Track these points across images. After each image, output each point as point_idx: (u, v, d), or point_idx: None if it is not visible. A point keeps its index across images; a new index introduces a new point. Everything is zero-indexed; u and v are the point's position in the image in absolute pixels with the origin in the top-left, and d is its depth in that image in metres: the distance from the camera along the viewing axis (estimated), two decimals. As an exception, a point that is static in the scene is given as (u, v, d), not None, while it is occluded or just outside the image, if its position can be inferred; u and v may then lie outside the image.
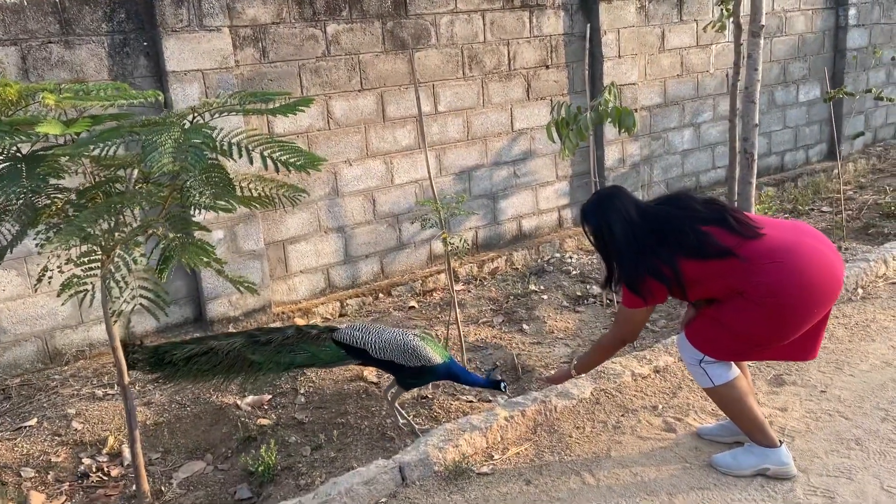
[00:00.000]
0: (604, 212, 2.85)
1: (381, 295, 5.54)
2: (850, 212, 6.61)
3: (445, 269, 5.80)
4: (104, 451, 3.57)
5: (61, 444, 3.63)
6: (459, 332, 4.19)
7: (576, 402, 3.41)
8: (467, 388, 3.94)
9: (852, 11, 8.14)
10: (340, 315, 5.33)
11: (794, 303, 2.64)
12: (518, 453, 3.13)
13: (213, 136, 2.60)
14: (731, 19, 4.91)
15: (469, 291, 5.42)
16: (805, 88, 8.14)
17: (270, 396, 3.98)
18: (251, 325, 5.05)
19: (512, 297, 5.15)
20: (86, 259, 2.81)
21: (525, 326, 4.66)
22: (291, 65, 5.06)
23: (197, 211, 2.86)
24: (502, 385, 3.48)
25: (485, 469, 3.08)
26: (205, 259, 2.76)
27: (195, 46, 4.61)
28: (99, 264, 2.85)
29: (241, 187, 2.87)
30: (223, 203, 2.68)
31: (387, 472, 2.96)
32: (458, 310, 5.06)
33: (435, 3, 5.53)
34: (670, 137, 7.12)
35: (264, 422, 3.76)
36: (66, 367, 4.45)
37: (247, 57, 4.88)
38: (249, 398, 3.98)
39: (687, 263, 2.71)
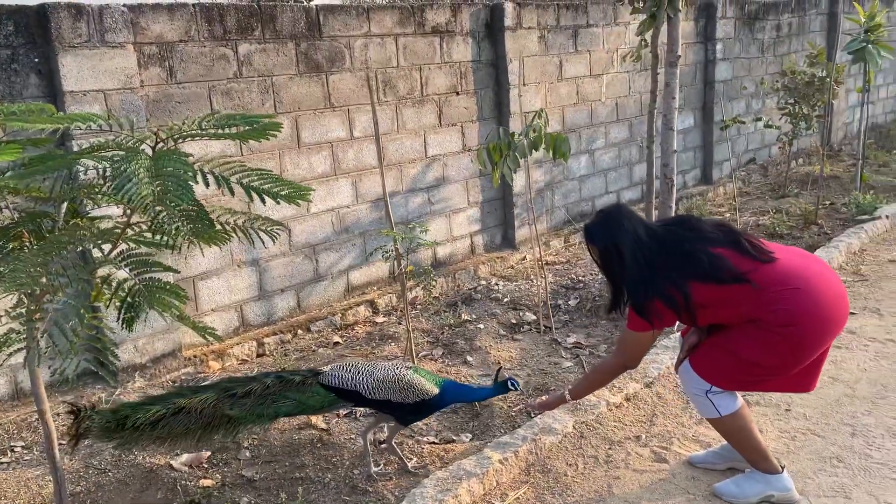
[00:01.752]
0: (611, 232, 2.75)
1: (299, 331, 5.19)
2: (736, 233, 6.98)
3: (365, 301, 5.55)
4: (15, 534, 3.05)
5: (-42, 529, 3.07)
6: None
7: (561, 437, 3.26)
8: (425, 429, 3.73)
9: (719, 46, 8.72)
10: (258, 355, 4.93)
11: (812, 330, 2.58)
12: (518, 498, 2.93)
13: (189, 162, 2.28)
14: (649, 49, 5.05)
15: (399, 324, 5.18)
16: (681, 118, 8.59)
17: (209, 453, 3.56)
18: (160, 372, 4.55)
19: (447, 328, 4.96)
20: (23, 310, 2.36)
21: (469, 358, 4.48)
22: (201, 86, 4.66)
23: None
24: (510, 383, 3.23)
25: (487, 519, 2.87)
26: (177, 306, 2.39)
27: (96, 64, 4.13)
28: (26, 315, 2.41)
29: (219, 221, 2.52)
30: (203, 240, 2.33)
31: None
32: (395, 344, 4.85)
33: (349, 26, 5.31)
34: (569, 164, 7.25)
35: (207, 483, 3.35)
36: (-56, 434, 3.80)
37: (153, 77, 4.44)
38: (184, 457, 3.54)
39: (698, 287, 2.63)
